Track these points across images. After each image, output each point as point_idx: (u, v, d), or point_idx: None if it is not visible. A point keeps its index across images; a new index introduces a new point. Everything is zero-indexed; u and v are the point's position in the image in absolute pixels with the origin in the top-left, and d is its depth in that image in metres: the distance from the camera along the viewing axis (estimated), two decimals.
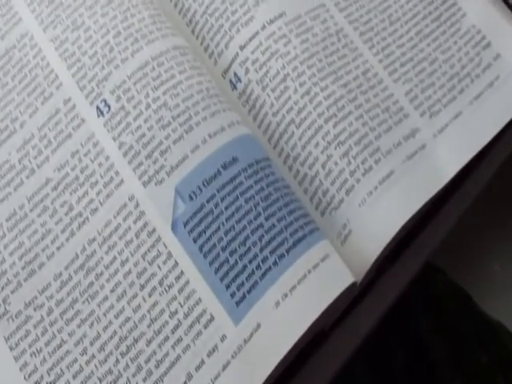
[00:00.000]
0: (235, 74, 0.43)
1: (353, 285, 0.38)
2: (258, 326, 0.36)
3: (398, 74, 0.44)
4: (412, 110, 0.43)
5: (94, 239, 0.38)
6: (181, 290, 0.36)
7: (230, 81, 0.43)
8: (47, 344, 0.36)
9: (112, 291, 0.37)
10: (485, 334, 0.58)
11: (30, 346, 0.36)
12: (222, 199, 0.38)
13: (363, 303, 0.39)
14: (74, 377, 0.36)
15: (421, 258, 0.41)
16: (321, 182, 0.40)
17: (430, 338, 0.56)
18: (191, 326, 0.36)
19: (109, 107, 0.40)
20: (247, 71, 0.42)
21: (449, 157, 0.42)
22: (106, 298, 0.37)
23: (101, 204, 0.38)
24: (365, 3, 0.46)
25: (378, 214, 0.39)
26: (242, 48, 0.43)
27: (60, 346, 0.36)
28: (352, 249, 0.39)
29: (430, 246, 0.41)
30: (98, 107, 0.40)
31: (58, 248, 0.38)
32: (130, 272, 0.37)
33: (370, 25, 0.45)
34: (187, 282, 0.36)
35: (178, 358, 0.36)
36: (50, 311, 0.37)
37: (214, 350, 0.36)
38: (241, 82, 0.43)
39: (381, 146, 0.41)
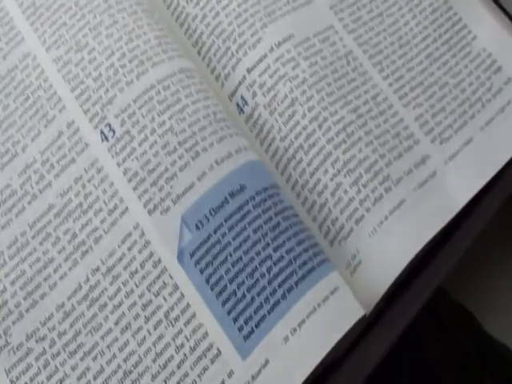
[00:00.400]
0: (242, 98, 0.42)
1: (362, 316, 0.37)
2: (267, 361, 0.35)
3: (408, 98, 0.43)
4: (422, 135, 0.42)
5: (97, 269, 0.37)
6: (187, 323, 0.36)
7: (237, 104, 0.42)
8: (49, 378, 0.36)
9: (116, 323, 0.36)
10: (490, 358, 0.57)
11: (31, 380, 0.36)
12: (230, 229, 0.37)
13: (374, 332, 0.39)
14: None
15: (432, 287, 0.40)
16: (330, 211, 0.39)
17: (436, 362, 0.55)
18: (197, 361, 0.35)
19: (113, 132, 0.39)
20: (254, 94, 0.42)
21: (460, 184, 0.41)
22: (110, 331, 0.36)
23: (105, 232, 0.37)
24: (374, 25, 0.45)
25: (388, 245, 0.39)
26: (249, 71, 0.42)
27: (62, 380, 0.35)
28: (361, 280, 0.38)
29: (441, 274, 0.40)
30: (102, 131, 0.39)
31: (61, 277, 0.37)
32: (134, 304, 0.36)
33: (379, 47, 0.44)
34: (193, 315, 0.35)
35: None
36: (53, 343, 0.36)
37: None
38: (248, 105, 0.42)
39: (391, 174, 0.40)
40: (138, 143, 0.38)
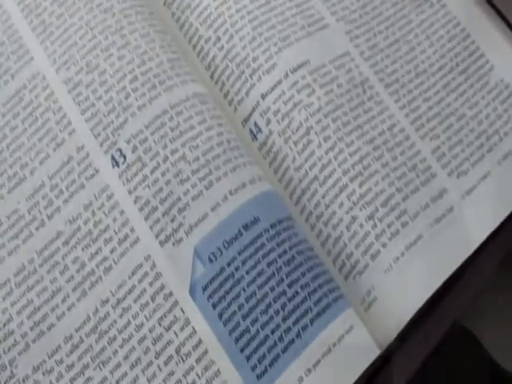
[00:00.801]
0: (256, 124, 0.41)
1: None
2: None
3: (424, 129, 0.42)
4: (439, 168, 0.41)
5: (107, 300, 0.36)
6: (198, 360, 0.35)
7: (250, 130, 0.41)
8: None
9: (126, 358, 0.35)
10: None
11: None
12: (243, 262, 0.36)
13: (387, 369, 0.38)
14: None
15: (447, 323, 0.39)
16: (345, 245, 0.38)
17: None
18: None
19: (124, 157, 0.38)
20: (268, 122, 0.41)
21: (477, 220, 0.41)
22: (119, 365, 0.35)
23: (115, 263, 0.36)
24: (390, 53, 0.44)
25: (404, 282, 0.38)
26: (263, 97, 0.41)
27: None
28: (376, 317, 0.38)
29: (456, 310, 0.40)
30: (112, 157, 0.38)
31: (69, 308, 0.36)
32: (145, 338, 0.35)
33: (395, 76, 0.43)
34: (205, 352, 0.35)
35: None
36: (60, 377, 0.35)
37: None
38: (261, 132, 0.41)
39: (408, 208, 0.39)
40: (149, 170, 0.37)
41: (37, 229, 0.38)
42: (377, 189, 0.40)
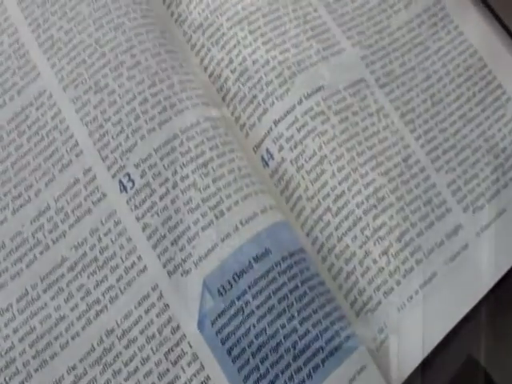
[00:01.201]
0: (267, 151, 0.40)
1: None
2: None
3: (440, 161, 0.41)
4: (455, 203, 0.40)
5: (112, 330, 0.35)
6: None
7: (262, 157, 0.40)
8: None
9: None
10: None
11: None
12: (254, 297, 0.35)
13: None
14: None
15: (461, 357, 0.39)
16: (357, 280, 0.37)
17: None
18: None
19: (133, 182, 0.37)
20: (281, 148, 0.40)
21: (492, 259, 0.40)
22: None
23: (121, 292, 0.35)
24: (406, 80, 0.43)
25: (418, 321, 0.37)
26: (276, 123, 0.40)
27: None
28: (388, 356, 0.37)
29: (470, 345, 0.39)
30: (120, 181, 0.37)
31: (73, 337, 0.35)
32: (151, 372, 0.34)
33: (411, 105, 0.42)
34: None
35: None
36: None
37: None
38: (273, 159, 0.40)
39: (422, 245, 0.38)
40: (158, 197, 0.36)
41: (41, 253, 0.37)
42: (391, 223, 0.39)
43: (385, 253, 0.38)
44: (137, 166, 0.37)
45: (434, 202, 0.40)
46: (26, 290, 0.36)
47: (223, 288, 0.35)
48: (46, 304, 0.36)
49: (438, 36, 0.45)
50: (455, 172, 0.42)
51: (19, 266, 0.37)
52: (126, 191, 0.37)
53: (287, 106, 0.41)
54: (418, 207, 0.39)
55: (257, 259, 0.36)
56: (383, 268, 0.38)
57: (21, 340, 0.35)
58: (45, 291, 0.36)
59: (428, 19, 0.46)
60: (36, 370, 0.35)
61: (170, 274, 0.35)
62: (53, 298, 0.36)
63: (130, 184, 0.37)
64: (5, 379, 0.35)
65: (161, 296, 0.35)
